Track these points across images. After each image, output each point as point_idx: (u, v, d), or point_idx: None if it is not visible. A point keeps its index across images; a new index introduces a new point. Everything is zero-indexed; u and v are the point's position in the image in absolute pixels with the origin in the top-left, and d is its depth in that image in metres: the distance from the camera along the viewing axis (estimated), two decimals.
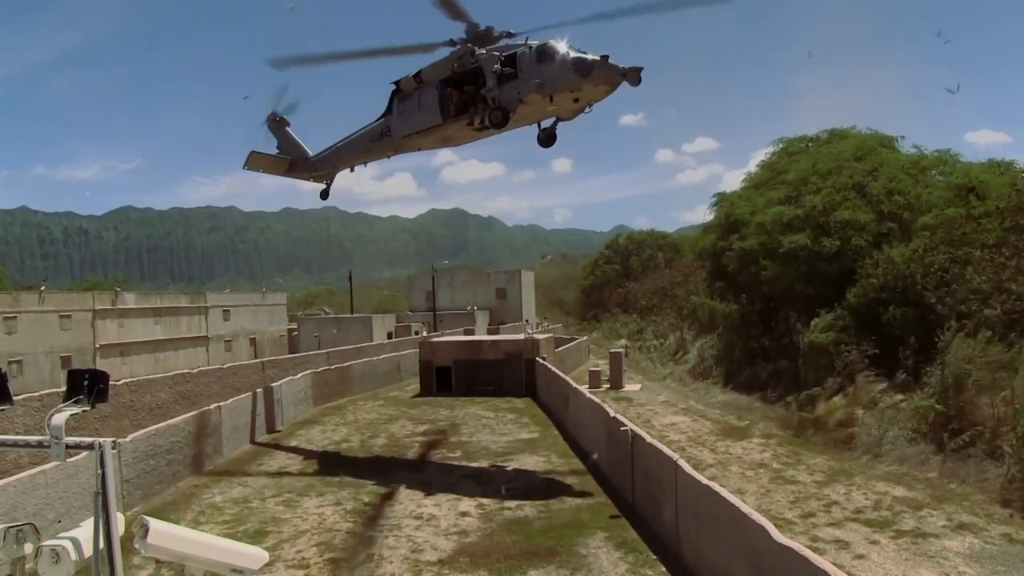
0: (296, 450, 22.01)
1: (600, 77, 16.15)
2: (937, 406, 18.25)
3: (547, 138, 18.81)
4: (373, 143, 20.64)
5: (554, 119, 18.39)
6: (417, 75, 19.04)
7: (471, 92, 18.12)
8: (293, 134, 22.93)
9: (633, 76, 15.95)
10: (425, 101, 18.93)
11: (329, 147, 22.11)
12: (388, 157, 21.22)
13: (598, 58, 16.10)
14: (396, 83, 19.61)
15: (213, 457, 19.99)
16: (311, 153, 22.56)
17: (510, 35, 17.81)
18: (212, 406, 20.76)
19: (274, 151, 22.94)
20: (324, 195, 22.90)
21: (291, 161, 22.71)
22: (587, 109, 17.37)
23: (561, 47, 16.61)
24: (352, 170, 22.28)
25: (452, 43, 18.18)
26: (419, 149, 20.77)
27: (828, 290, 26.28)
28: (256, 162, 22.22)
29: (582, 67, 16.17)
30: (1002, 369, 17.88)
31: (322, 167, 22.36)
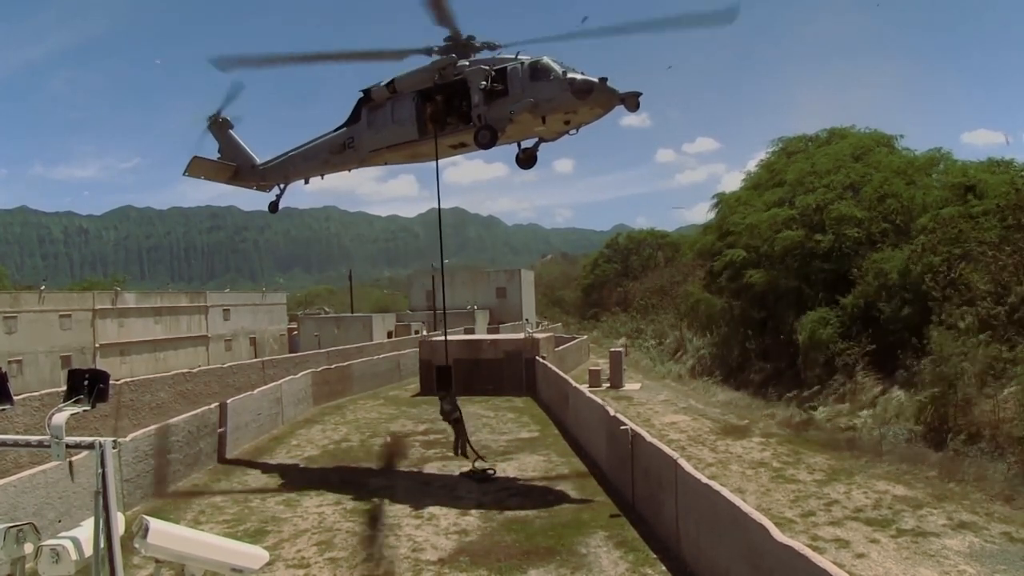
0: (295, 450, 22.02)
1: (597, 100, 15.11)
2: (933, 396, 18.23)
3: (527, 159, 17.73)
4: (334, 155, 18.82)
5: (537, 139, 17.31)
6: (390, 84, 17.38)
7: (452, 107, 16.69)
8: (238, 138, 21.02)
9: (631, 101, 14.92)
10: (399, 114, 17.31)
11: (280, 155, 20.39)
12: (349, 171, 19.48)
13: (596, 80, 14.99)
14: (365, 91, 17.95)
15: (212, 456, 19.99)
16: (257, 160, 20.77)
17: (492, 47, 16.43)
18: (212, 405, 20.77)
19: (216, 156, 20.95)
20: (273, 208, 21.01)
21: (236, 168, 20.78)
22: (572, 131, 16.22)
23: (556, 65, 15.55)
24: (307, 182, 20.41)
25: (428, 52, 16.58)
26: (385, 163, 19.30)
27: (823, 289, 26.29)
28: (198, 168, 20.27)
29: (580, 89, 15.06)
30: (1008, 366, 17.83)
31: (271, 177, 20.54)
